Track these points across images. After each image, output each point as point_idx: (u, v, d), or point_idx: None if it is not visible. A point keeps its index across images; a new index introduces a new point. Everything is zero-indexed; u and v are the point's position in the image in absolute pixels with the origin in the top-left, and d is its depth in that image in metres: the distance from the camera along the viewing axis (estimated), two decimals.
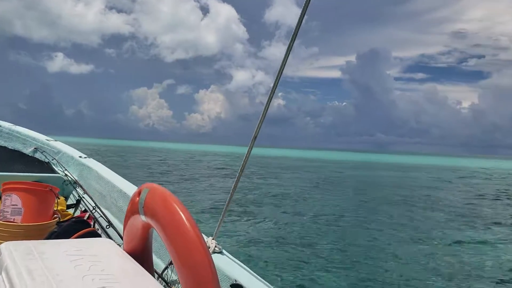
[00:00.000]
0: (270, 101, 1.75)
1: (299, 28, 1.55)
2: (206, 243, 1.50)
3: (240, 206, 15.39)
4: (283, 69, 1.66)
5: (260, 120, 1.83)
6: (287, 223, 12.66)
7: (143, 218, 1.67)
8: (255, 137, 1.88)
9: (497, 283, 8.55)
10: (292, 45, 1.59)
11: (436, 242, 11.90)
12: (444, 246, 11.48)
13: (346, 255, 9.43)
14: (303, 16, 1.51)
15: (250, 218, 13.29)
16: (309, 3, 1.47)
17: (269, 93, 1.75)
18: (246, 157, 1.95)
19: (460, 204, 21.27)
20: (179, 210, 1.53)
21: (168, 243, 1.50)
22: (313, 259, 8.88)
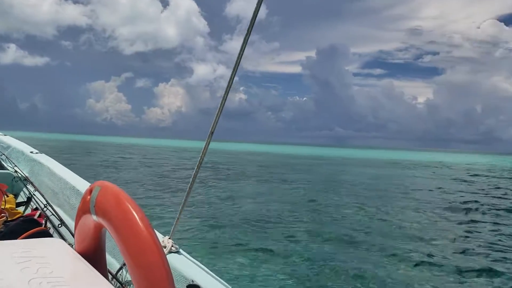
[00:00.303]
0: (227, 96, 1.71)
1: (254, 21, 1.52)
2: (160, 243, 1.45)
3: (199, 204, 15.19)
4: (239, 63, 1.63)
5: (217, 115, 1.79)
6: (246, 221, 12.55)
7: (94, 217, 1.61)
8: (212, 133, 1.84)
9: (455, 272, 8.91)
10: (247, 39, 1.56)
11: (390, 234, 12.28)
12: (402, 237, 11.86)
13: (303, 252, 9.49)
14: (258, 9, 1.48)
15: (209, 216, 13.12)
16: None
17: (226, 88, 1.71)
18: (203, 153, 1.90)
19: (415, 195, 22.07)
20: (131, 209, 1.48)
21: (120, 244, 1.45)
22: (272, 258, 8.87)
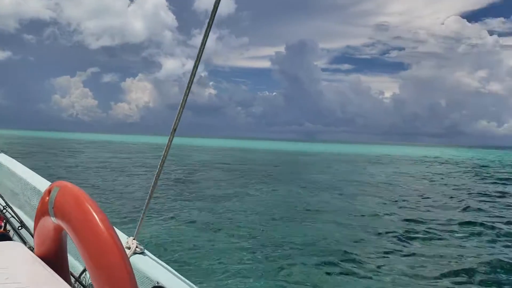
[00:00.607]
0: (189, 92, 1.68)
1: (214, 16, 1.49)
2: (122, 244, 1.41)
3: (165, 203, 14.86)
4: (199, 59, 1.60)
5: (179, 112, 1.75)
6: (213, 220, 12.32)
7: (53, 219, 1.55)
8: (174, 129, 1.80)
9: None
10: (208, 34, 1.53)
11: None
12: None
13: (270, 250, 9.40)
14: (218, 4, 1.45)
15: (176, 215, 12.85)
16: None
17: (187, 84, 1.67)
18: (166, 150, 1.86)
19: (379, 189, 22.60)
20: (92, 210, 1.44)
21: (80, 246, 1.40)
22: (239, 256, 8.73)
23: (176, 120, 1.78)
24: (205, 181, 22.08)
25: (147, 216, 11.93)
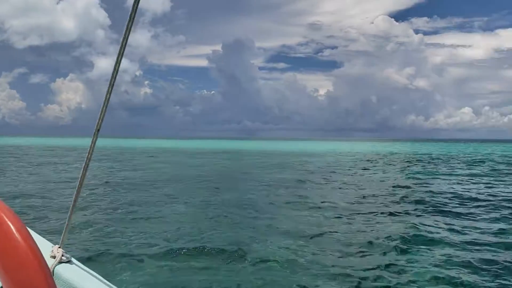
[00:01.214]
0: (111, 89, 1.59)
1: (135, 11, 1.42)
2: (42, 255, 1.32)
3: (93, 208, 14.28)
4: (122, 53, 1.52)
5: (102, 112, 1.66)
6: (145, 224, 11.96)
7: None
8: (97, 130, 1.70)
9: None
10: (128, 33, 1.46)
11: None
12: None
13: (202, 250, 9.34)
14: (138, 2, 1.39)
15: (105, 220, 12.36)
16: None
17: (109, 81, 1.59)
18: (89, 153, 1.76)
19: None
20: (5, 218, 1.32)
21: None
22: (171, 261, 8.53)
23: (99, 120, 1.68)
24: (138, 185, 21.41)
25: (79, 223, 11.48)
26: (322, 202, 16.03)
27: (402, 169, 34.23)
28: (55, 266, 1.87)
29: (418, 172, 30.50)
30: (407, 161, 45.19)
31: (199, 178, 25.07)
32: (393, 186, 21.54)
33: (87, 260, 8.07)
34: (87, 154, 1.77)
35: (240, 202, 15.92)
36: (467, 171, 31.70)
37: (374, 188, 20.97)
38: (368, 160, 46.75)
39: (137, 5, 1.41)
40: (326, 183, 23.25)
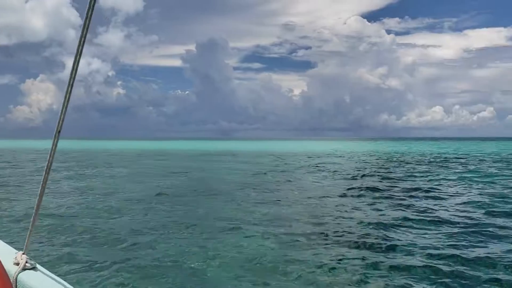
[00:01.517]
0: (71, 89, 1.54)
1: (91, 11, 1.38)
2: (0, 262, 1.26)
3: (58, 211, 13.98)
4: (80, 52, 1.47)
5: (62, 112, 1.60)
6: (113, 228, 11.76)
7: None
8: (58, 131, 1.64)
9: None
10: (86, 32, 1.42)
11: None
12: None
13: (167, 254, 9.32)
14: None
15: (72, 224, 12.06)
16: None
17: (68, 79, 1.54)
18: (50, 155, 1.69)
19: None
20: None
21: None
22: (143, 266, 8.43)
23: (60, 121, 1.63)
24: (111, 187, 21.03)
25: (46, 229, 11.14)
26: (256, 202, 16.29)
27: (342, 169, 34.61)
28: (18, 273, 1.80)
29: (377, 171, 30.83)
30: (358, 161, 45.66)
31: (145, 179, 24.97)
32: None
33: (53, 267, 7.86)
34: (48, 157, 1.71)
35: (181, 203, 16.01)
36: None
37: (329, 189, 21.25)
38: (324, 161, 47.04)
39: (94, 3, 1.36)
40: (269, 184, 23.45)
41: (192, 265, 8.53)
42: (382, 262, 8.77)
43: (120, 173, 29.56)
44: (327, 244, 10.19)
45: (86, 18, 1.40)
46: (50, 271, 1.88)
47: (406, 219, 13.03)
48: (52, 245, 9.79)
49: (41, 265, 1.92)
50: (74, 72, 1.51)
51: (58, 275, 1.86)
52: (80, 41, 1.44)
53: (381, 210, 14.92)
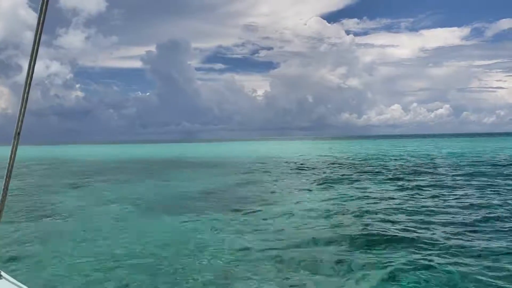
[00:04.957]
0: (29, 89, 1.50)
1: (44, 13, 1.35)
2: None
3: (24, 216, 13.71)
4: (35, 55, 1.44)
5: (21, 113, 1.56)
6: (78, 232, 11.62)
7: None
8: (18, 133, 1.60)
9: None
10: (40, 34, 1.39)
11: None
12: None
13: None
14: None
15: (38, 229, 11.89)
16: None
17: (25, 80, 1.50)
18: (11, 158, 1.65)
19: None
20: None
21: None
22: (112, 271, 8.39)
23: (19, 122, 1.58)
24: (66, 192, 20.57)
25: (11, 237, 10.78)
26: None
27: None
28: None
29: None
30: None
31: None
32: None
33: (20, 274, 7.65)
34: (9, 160, 1.66)
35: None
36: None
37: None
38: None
39: (46, 4, 1.34)
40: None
41: None
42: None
43: None
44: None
45: (40, 15, 1.37)
46: (16, 279, 1.84)
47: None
48: (21, 253, 9.51)
49: (6, 273, 1.87)
50: (30, 71, 1.48)
51: (24, 283, 1.82)
52: (35, 39, 1.41)
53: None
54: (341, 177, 24.15)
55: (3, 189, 1.71)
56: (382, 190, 18.45)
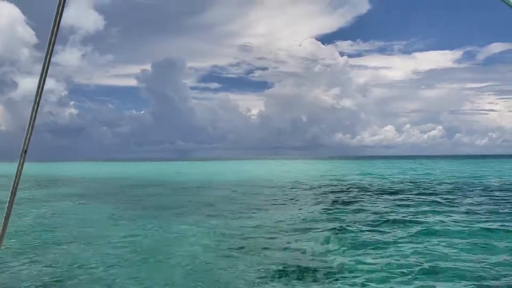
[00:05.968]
0: (37, 108, 1.52)
1: (57, 28, 1.38)
2: None
3: (20, 237, 13.90)
4: (46, 70, 1.46)
5: (28, 131, 1.57)
6: (72, 252, 11.81)
7: None
8: (25, 151, 1.61)
9: None
10: (53, 46, 1.41)
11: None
12: None
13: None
14: (61, 13, 1.36)
15: (32, 250, 11.98)
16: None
17: (35, 97, 1.52)
18: (17, 176, 1.65)
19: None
20: None
21: None
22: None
23: (26, 140, 1.59)
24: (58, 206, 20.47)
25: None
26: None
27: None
28: None
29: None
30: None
31: None
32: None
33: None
34: (14, 178, 1.67)
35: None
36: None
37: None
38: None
39: (59, 20, 1.36)
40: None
41: None
42: None
43: None
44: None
45: (51, 36, 1.39)
46: None
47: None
48: (15, 267, 9.57)
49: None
50: (40, 90, 1.50)
51: None
52: (45, 58, 1.43)
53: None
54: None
55: (8, 206, 1.71)
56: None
